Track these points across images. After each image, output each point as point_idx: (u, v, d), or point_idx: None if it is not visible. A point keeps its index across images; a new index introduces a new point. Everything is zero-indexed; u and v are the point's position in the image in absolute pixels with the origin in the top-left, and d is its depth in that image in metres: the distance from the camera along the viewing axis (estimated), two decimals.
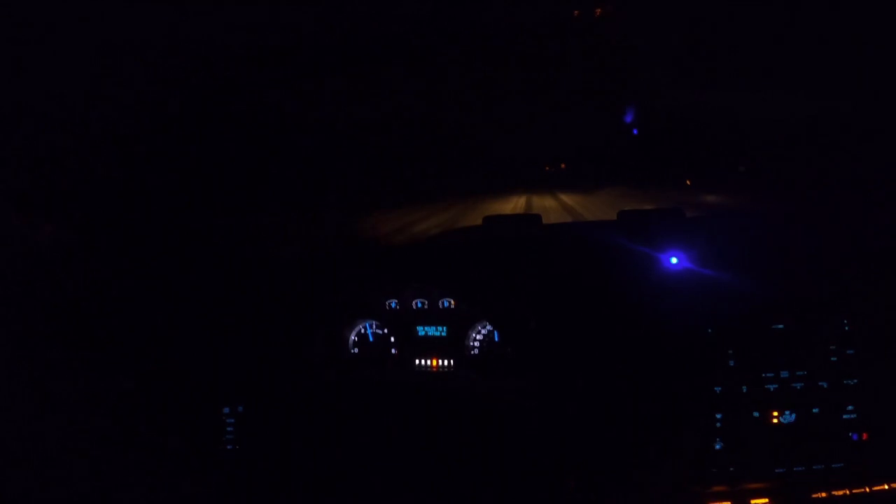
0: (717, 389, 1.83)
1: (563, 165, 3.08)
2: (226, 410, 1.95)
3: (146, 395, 1.87)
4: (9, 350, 1.75)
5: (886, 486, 1.81)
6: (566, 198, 3.25)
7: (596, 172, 3.05)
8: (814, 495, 1.82)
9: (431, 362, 2.19)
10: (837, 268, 1.86)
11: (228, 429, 1.95)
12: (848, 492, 1.81)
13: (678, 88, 2.46)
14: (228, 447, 1.95)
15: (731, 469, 1.84)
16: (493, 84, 2.93)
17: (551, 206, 3.20)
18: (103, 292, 1.88)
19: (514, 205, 3.17)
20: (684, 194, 2.74)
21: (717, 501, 1.84)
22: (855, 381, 1.79)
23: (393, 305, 2.21)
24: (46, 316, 1.78)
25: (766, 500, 1.84)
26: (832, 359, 1.80)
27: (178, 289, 1.97)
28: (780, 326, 1.82)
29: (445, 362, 2.18)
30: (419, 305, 2.20)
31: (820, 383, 1.80)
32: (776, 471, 1.83)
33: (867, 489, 1.81)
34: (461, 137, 3.00)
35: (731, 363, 1.83)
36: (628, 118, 2.34)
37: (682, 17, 2.26)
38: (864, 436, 1.79)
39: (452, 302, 2.18)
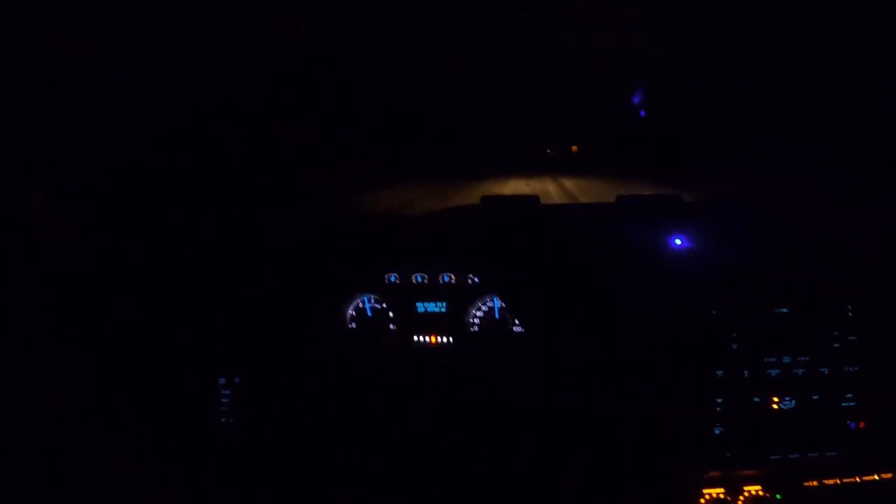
0: (719, 373, 1.83)
1: (574, 149, 3.07)
2: (221, 381, 1.90)
3: (140, 368, 1.83)
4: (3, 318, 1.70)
5: (877, 477, 1.83)
6: (566, 182, 3.24)
7: (596, 157, 3.04)
8: (805, 483, 1.84)
9: (430, 339, 2.16)
10: (842, 253, 1.86)
11: (223, 401, 1.91)
12: (839, 481, 1.83)
13: (680, 73, 2.46)
14: (223, 420, 1.91)
15: (728, 454, 1.84)
16: (496, 65, 2.91)
17: (551, 190, 3.19)
18: (101, 262, 1.83)
19: (514, 187, 3.15)
20: (685, 180, 2.74)
21: (711, 487, 1.85)
22: (855, 368, 1.80)
23: (392, 279, 2.17)
24: (38, 281, 1.74)
25: (759, 487, 1.85)
26: (834, 345, 1.80)
27: (176, 259, 1.93)
28: (784, 311, 1.82)
29: (445, 339, 2.16)
30: (419, 280, 2.17)
31: (821, 369, 1.80)
32: (772, 457, 1.84)
33: (857, 479, 1.82)
34: (463, 118, 2.98)
35: (734, 346, 1.83)
36: (636, 100, 2.33)
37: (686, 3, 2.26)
38: (862, 424, 1.80)
39: (453, 277, 2.15)
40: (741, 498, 1.85)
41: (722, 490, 1.86)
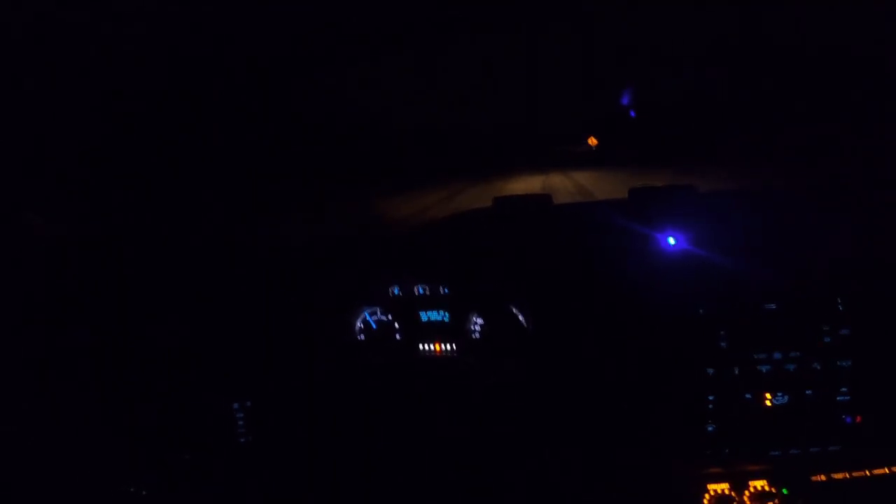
0: (710, 371, 1.82)
1: (593, 141, 3.03)
2: (235, 406, 2.03)
3: (158, 391, 1.98)
4: (18, 344, 1.87)
5: (887, 470, 1.78)
6: (580, 177, 3.22)
7: (610, 151, 3.00)
8: (813, 478, 1.81)
9: (435, 347, 2.24)
10: (832, 247, 1.80)
11: (239, 423, 2.03)
12: (848, 475, 1.79)
13: (688, 67, 2.40)
14: (241, 440, 2.03)
15: (726, 451, 1.84)
16: (504, 65, 2.91)
17: (565, 186, 3.18)
18: (110, 288, 1.98)
19: (527, 185, 3.16)
20: (699, 171, 2.68)
21: (715, 482, 1.86)
22: (848, 362, 1.75)
23: (395, 292, 2.26)
24: (55, 312, 1.90)
25: (765, 482, 1.84)
26: (825, 339, 1.76)
27: (181, 283, 2.06)
28: (773, 307, 1.79)
29: (449, 346, 2.23)
30: (421, 292, 2.25)
31: (813, 365, 1.77)
32: (771, 453, 1.82)
33: (867, 472, 1.78)
34: (471, 119, 3.00)
35: (723, 344, 1.82)
36: (625, 100, 2.30)
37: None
38: (858, 419, 1.76)
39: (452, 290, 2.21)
40: (747, 493, 1.85)
41: (727, 485, 1.86)
